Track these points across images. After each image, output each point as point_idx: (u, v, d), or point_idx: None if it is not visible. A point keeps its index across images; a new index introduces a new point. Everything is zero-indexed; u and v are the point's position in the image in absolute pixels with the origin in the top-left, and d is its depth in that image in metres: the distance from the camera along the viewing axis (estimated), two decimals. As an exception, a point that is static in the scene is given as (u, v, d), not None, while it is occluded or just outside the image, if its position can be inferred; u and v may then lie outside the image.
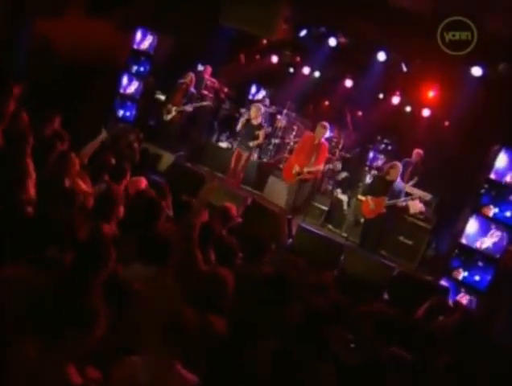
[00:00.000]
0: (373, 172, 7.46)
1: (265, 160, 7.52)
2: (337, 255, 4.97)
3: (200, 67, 7.58)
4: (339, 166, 5.77)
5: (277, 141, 7.73)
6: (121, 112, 7.39)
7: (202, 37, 6.80)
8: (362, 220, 6.04)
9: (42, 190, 2.91)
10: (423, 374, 2.64)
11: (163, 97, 7.58)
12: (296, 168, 5.83)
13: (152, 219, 2.92)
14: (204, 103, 6.65)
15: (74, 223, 2.20)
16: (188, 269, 2.61)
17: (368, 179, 7.00)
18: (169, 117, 6.50)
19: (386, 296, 4.70)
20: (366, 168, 7.74)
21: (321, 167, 5.77)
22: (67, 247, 2.10)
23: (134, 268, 2.45)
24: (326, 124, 5.81)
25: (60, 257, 2.03)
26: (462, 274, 5.15)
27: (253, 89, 8.66)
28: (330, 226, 6.64)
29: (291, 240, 5.07)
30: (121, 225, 2.88)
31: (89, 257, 2.02)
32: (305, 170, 5.80)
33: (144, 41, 7.01)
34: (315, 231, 5.25)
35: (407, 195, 5.93)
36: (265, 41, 7.77)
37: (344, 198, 7.00)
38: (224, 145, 7.58)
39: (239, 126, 6.17)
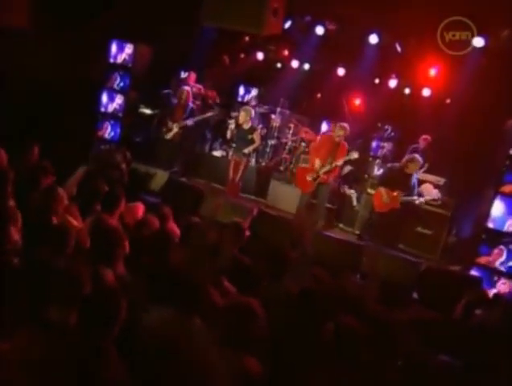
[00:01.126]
0: (378, 161, 7.27)
1: (263, 164, 7.35)
2: (358, 258, 4.80)
3: (183, 74, 7.45)
4: (355, 154, 5.49)
5: (273, 142, 7.56)
6: (104, 133, 7.24)
7: (181, 43, 6.73)
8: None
9: (28, 233, 2.65)
10: (477, 379, 2.41)
11: (147, 111, 7.48)
12: (312, 174, 5.64)
13: (162, 253, 2.68)
14: (208, 114, 6.54)
15: (72, 273, 1.94)
16: (207, 305, 2.37)
17: (376, 170, 6.81)
18: (170, 134, 6.40)
19: (415, 295, 4.49)
20: (370, 159, 7.56)
21: (339, 162, 5.53)
22: (68, 304, 1.84)
23: (150, 313, 2.22)
24: (345, 125, 5.59)
25: (62, 319, 1.76)
26: (499, 260, 4.93)
27: (242, 91, 8.48)
28: (341, 225, 6.49)
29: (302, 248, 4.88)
30: (127, 264, 2.64)
31: (97, 314, 1.77)
32: (321, 171, 5.60)
33: (121, 53, 6.86)
34: (333, 235, 5.05)
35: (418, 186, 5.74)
36: (247, 38, 7.70)
37: (352, 193, 6.84)
38: (218, 153, 7.46)
39: (229, 134, 6.08)
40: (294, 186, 6.31)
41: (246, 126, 5.99)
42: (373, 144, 7.82)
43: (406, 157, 5.60)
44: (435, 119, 7.13)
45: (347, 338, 2.16)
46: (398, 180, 5.40)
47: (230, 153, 7.06)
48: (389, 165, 6.36)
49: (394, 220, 5.49)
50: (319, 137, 6.13)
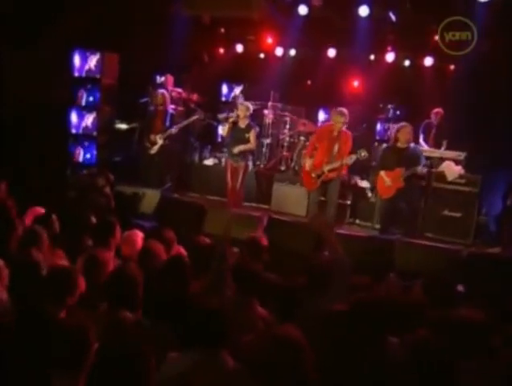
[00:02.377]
0: (386, 144, 7.12)
1: (261, 166, 7.25)
2: (390, 255, 4.58)
3: (160, 79, 7.30)
4: (364, 153, 5.35)
5: (268, 140, 7.45)
6: (79, 157, 7.05)
7: (153, 45, 6.58)
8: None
9: (13, 287, 2.37)
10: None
11: (124, 126, 7.36)
12: (316, 170, 5.45)
13: (178, 286, 2.46)
14: (193, 118, 6.38)
15: (76, 330, 1.66)
16: (240, 341, 2.13)
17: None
18: (155, 148, 6.24)
19: (460, 288, 4.27)
20: (376, 143, 7.45)
21: (348, 160, 5.34)
22: (74, 368, 1.59)
23: (174, 360, 1.99)
24: (343, 110, 5.38)
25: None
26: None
27: (225, 89, 8.37)
28: (358, 221, 6.36)
29: (327, 253, 4.66)
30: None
31: (123, 376, 1.51)
32: (325, 168, 5.39)
33: (85, 65, 6.65)
34: (356, 233, 4.84)
35: (438, 160, 5.62)
36: (222, 30, 7.58)
37: (365, 184, 6.71)
38: (210, 162, 7.37)
39: (225, 130, 5.84)
40: (299, 185, 6.20)
41: (243, 124, 5.78)
42: (378, 126, 7.73)
43: (394, 129, 5.42)
44: (442, 89, 7.03)
45: (429, 355, 1.92)
46: (394, 158, 5.29)
47: (224, 158, 6.89)
48: (381, 147, 6.23)
49: (409, 204, 5.32)
50: (316, 130, 6.01)
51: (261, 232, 4.24)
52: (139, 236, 3.40)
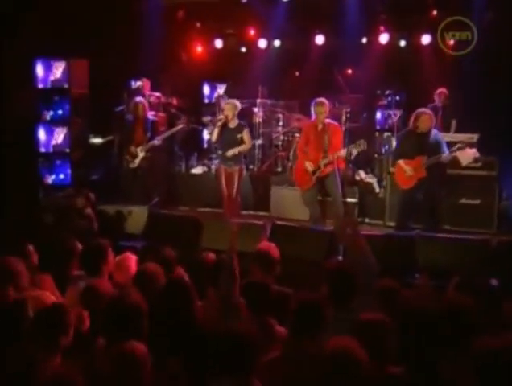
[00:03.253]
0: (388, 134, 7.23)
1: (255, 169, 7.25)
2: (411, 253, 4.49)
3: (135, 84, 7.15)
4: (364, 145, 5.30)
5: (260, 141, 7.42)
6: (51, 178, 6.84)
7: (124, 47, 6.47)
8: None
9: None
10: None
11: (99, 140, 7.24)
12: (309, 167, 5.42)
13: (185, 312, 2.37)
14: (178, 127, 6.33)
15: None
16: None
17: (387, 146, 6.62)
18: (136, 162, 6.13)
19: (494, 282, 4.15)
20: (377, 133, 7.50)
21: (341, 152, 5.33)
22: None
23: None
24: (322, 99, 5.41)
25: None
26: None
27: (207, 90, 8.41)
28: (367, 219, 6.29)
29: (340, 257, 4.56)
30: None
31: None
32: (321, 163, 5.36)
33: (50, 75, 6.44)
34: (371, 233, 4.78)
35: (449, 145, 5.49)
36: (198, 24, 7.58)
37: (371, 179, 6.68)
38: (199, 170, 7.33)
39: (214, 137, 5.69)
40: (296, 186, 6.07)
41: (233, 124, 5.67)
42: (378, 115, 7.72)
43: (413, 116, 5.38)
44: (444, 68, 7.02)
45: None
46: (414, 145, 5.21)
47: (214, 165, 6.79)
48: (398, 134, 6.17)
49: (430, 195, 5.25)
50: (302, 128, 5.98)
51: (266, 241, 4.13)
52: (132, 259, 3.26)
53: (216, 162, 7.09)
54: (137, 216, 5.61)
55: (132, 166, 6.20)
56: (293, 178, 5.90)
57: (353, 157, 5.75)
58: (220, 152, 5.86)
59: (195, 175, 7.13)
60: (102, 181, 6.86)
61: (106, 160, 7.08)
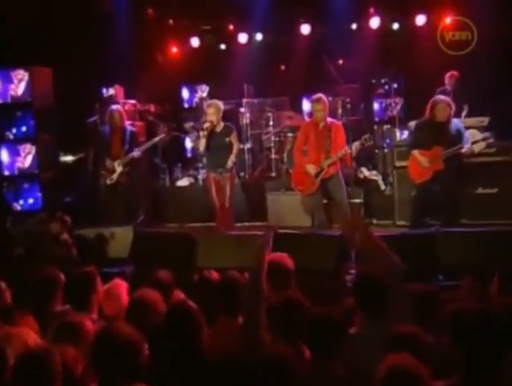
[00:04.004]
0: (388, 127, 7.17)
1: (247, 176, 7.21)
2: (432, 251, 4.32)
3: (107, 92, 7.05)
4: (370, 140, 5.25)
5: (249, 145, 7.39)
6: (19, 203, 6.71)
7: (94, 51, 6.41)
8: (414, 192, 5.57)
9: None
10: None
11: (70, 158, 7.18)
12: (311, 170, 5.36)
13: (193, 342, 2.20)
14: (157, 138, 6.21)
15: None
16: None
17: (400, 136, 6.59)
18: (114, 177, 5.99)
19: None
20: (375, 126, 7.44)
21: (345, 151, 5.27)
22: None
23: None
24: (320, 96, 5.35)
25: None
26: None
27: (186, 93, 8.32)
28: (375, 220, 6.25)
29: (353, 264, 4.46)
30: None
31: None
32: (324, 164, 5.30)
33: (9, 87, 6.28)
34: (384, 234, 4.59)
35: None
36: (171, 22, 7.60)
37: (375, 176, 6.64)
38: (184, 182, 7.26)
39: (202, 146, 5.57)
40: (297, 190, 6.05)
41: (219, 128, 5.58)
42: (376, 106, 7.65)
43: (429, 104, 5.32)
44: (441, 50, 7.07)
45: None
46: (431, 135, 5.14)
47: (202, 174, 6.72)
48: (411, 123, 6.11)
49: (447, 188, 5.16)
50: (301, 127, 5.91)
51: (269, 253, 4.03)
52: (123, 286, 3.08)
53: (203, 171, 7.06)
54: (121, 238, 5.38)
55: (110, 182, 6.05)
56: (292, 183, 5.80)
57: (354, 153, 5.66)
58: (209, 159, 5.75)
59: (181, 188, 7.06)
60: (78, 202, 6.73)
61: (80, 179, 6.98)
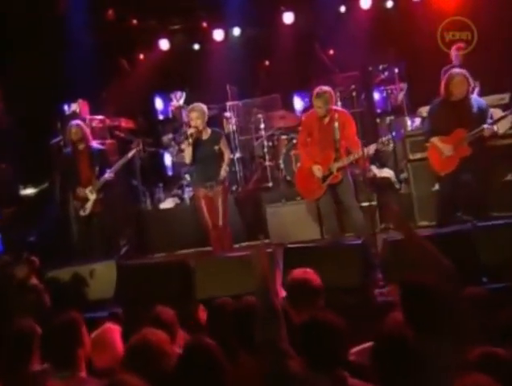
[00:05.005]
0: (391, 118, 7.11)
1: (239, 190, 7.17)
2: (472, 251, 4.16)
3: (70, 108, 6.92)
4: (389, 144, 5.18)
5: (238, 154, 7.34)
6: None
7: (50, 63, 6.28)
8: (436, 185, 5.53)
9: None
10: None
11: (32, 190, 7.03)
12: (317, 172, 5.20)
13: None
14: (130, 153, 6.07)
15: None
16: None
17: (410, 125, 6.50)
18: (88, 207, 5.85)
19: None
20: (378, 120, 7.38)
21: (358, 155, 5.09)
22: None
23: None
24: (323, 88, 5.16)
25: None
26: None
27: (160, 103, 8.26)
28: (391, 225, 5.93)
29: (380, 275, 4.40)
30: None
31: None
32: (333, 167, 5.16)
33: None
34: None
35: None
36: (135, 22, 7.61)
37: (387, 173, 6.57)
38: (169, 204, 7.22)
39: (188, 157, 5.44)
40: (300, 199, 6.11)
41: (206, 135, 5.45)
42: (376, 96, 7.57)
43: (443, 80, 5.24)
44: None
45: None
46: (450, 117, 5.01)
47: (188, 192, 6.71)
48: (422, 109, 6.09)
49: (481, 176, 5.04)
50: (302, 122, 5.85)
51: (281, 275, 3.91)
52: (115, 331, 2.88)
53: (188, 189, 7.02)
54: (102, 275, 5.19)
55: (83, 213, 5.89)
56: (296, 186, 5.69)
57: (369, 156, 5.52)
58: (197, 173, 5.59)
59: (165, 211, 7.03)
60: (46, 240, 6.58)
61: (46, 212, 6.80)
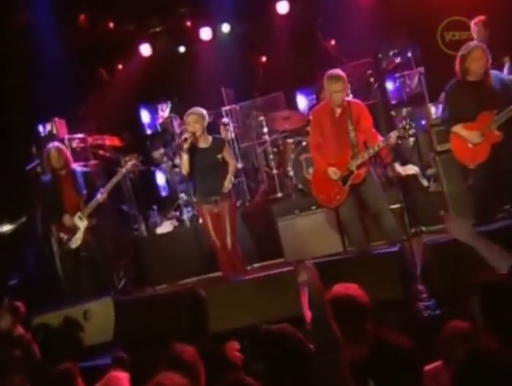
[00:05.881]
0: (408, 109, 7.01)
1: (246, 204, 7.16)
2: None
3: (45, 129, 6.83)
4: (412, 127, 4.92)
5: (240, 164, 7.28)
6: None
7: (18, 79, 6.28)
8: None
9: None
10: None
11: (8, 227, 7.01)
12: (334, 175, 5.05)
13: None
14: (123, 170, 5.98)
15: None
16: None
17: (435, 112, 6.29)
18: (78, 238, 5.82)
19: None
20: (393, 112, 7.25)
21: (379, 146, 4.96)
22: None
23: None
24: (336, 72, 5.04)
25: None
26: None
27: (146, 116, 8.19)
28: (423, 227, 6.12)
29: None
30: None
31: None
32: (352, 165, 5.01)
33: None
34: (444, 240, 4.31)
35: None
36: (112, 25, 7.62)
37: (412, 170, 6.50)
38: (167, 227, 7.21)
39: (185, 167, 5.36)
40: (315, 208, 6.14)
41: (205, 143, 5.34)
42: (388, 85, 7.47)
43: (457, 59, 5.10)
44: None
45: None
46: (471, 100, 4.86)
47: (187, 212, 6.76)
48: (443, 94, 5.76)
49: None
50: (311, 119, 5.69)
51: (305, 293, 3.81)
52: (123, 380, 2.83)
53: (187, 209, 7.01)
54: (98, 316, 5.15)
55: (74, 245, 5.83)
56: (313, 192, 5.51)
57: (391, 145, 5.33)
58: (196, 189, 5.48)
59: (163, 236, 6.98)
60: (29, 282, 6.55)
61: (27, 251, 6.78)
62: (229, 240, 5.38)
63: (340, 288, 2.78)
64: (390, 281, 4.06)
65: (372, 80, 6.94)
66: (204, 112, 5.38)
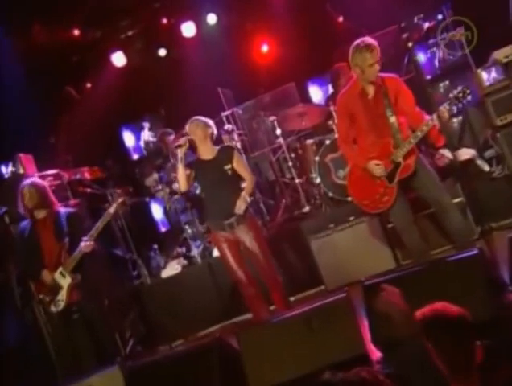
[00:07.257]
0: (445, 83, 7.01)
1: (268, 225, 7.18)
2: None
3: (8, 169, 6.79)
4: (467, 93, 4.81)
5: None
6: None
7: None
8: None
9: None
10: None
11: None
12: (378, 171, 5.00)
13: None
14: (111, 209, 5.88)
15: None
16: None
17: (486, 79, 6.23)
18: (62, 299, 5.69)
19: None
20: (429, 89, 7.00)
21: (429, 125, 4.83)
22: None
23: None
24: (367, 40, 4.91)
25: None
26: None
27: (130, 138, 8.27)
28: (493, 223, 6.02)
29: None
30: None
31: None
32: (397, 156, 4.89)
33: None
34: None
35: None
36: (77, 33, 7.71)
37: (469, 154, 6.41)
38: (174, 269, 7.20)
39: (182, 183, 5.31)
40: (355, 219, 6.09)
41: (210, 153, 5.28)
42: (421, 58, 7.36)
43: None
44: None
45: None
46: None
47: (196, 247, 6.80)
48: (497, 53, 5.91)
49: None
50: (337, 107, 5.59)
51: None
52: None
53: (195, 243, 7.01)
54: None
55: (57, 309, 5.63)
56: (354, 199, 5.40)
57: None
58: (206, 213, 5.46)
59: (171, 280, 6.96)
60: (11, 360, 6.36)
61: (4, 323, 6.52)
62: (263, 261, 5.23)
63: (435, 306, 2.49)
64: (474, 293, 3.76)
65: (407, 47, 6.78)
66: (209, 120, 5.34)
